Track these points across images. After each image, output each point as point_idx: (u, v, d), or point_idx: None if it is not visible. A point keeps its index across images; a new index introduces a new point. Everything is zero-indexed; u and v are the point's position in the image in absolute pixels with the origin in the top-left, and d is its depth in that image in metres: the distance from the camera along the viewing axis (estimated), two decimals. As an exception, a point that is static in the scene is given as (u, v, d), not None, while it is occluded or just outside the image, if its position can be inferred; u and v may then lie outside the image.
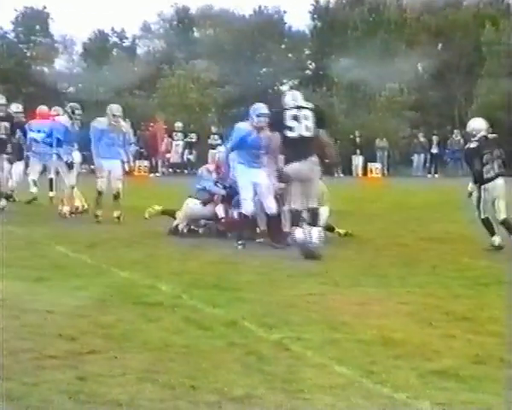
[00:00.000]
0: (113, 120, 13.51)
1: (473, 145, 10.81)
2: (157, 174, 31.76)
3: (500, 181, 10.76)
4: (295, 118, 9.96)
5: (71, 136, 13.94)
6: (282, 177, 10.15)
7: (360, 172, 34.18)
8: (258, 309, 6.63)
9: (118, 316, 6.28)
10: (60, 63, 52.85)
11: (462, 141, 33.32)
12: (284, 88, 54.48)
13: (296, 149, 9.86)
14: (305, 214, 10.02)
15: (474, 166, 10.72)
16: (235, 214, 11.60)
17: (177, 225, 11.80)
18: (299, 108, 10.05)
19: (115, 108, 13.72)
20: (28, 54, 50.61)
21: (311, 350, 5.37)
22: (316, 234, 9.75)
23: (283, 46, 54.05)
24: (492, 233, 10.60)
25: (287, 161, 10.01)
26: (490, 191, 10.66)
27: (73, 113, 13.95)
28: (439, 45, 43.17)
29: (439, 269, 8.90)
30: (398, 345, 5.52)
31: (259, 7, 53.60)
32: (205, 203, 11.76)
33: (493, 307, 6.79)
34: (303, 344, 5.52)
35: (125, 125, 14.23)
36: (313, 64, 53.30)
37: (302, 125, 9.94)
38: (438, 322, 6.25)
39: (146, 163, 32.16)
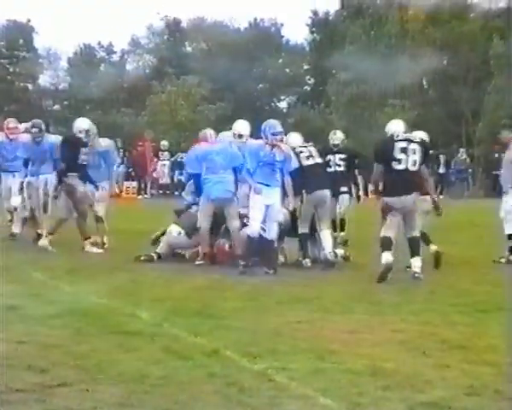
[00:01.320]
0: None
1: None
2: (146, 196, 31.78)
3: None
4: (404, 151, 10.16)
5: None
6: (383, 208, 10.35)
7: (361, 193, 34.23)
8: (242, 338, 6.63)
9: (93, 346, 6.27)
10: (44, 79, 53.02)
11: (468, 160, 33.50)
12: (281, 105, 54.82)
13: (401, 182, 10.12)
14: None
15: None
16: (226, 246, 11.65)
17: (155, 253, 11.75)
18: (408, 140, 10.27)
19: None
20: (11, 69, 50.71)
21: (296, 381, 5.37)
22: (417, 263, 10.13)
23: (280, 60, 54.35)
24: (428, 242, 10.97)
25: (389, 193, 10.23)
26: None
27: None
28: (445, 59, 43.34)
29: (437, 295, 8.92)
30: (388, 375, 5.52)
31: (255, 19, 53.98)
32: (190, 235, 11.76)
33: (491, 335, 6.81)
34: (288, 375, 5.52)
35: (104, 143, 13.87)
36: (312, 79, 53.53)
37: (410, 159, 10.17)
38: (432, 351, 6.25)
39: (134, 184, 32.18)
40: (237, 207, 11.53)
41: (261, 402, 4.92)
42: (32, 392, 5.03)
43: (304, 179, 11.42)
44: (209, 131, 12.39)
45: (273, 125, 11.16)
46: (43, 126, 13.89)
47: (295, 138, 12.45)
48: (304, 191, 11.49)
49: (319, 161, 11.88)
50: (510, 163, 11.96)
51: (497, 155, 33.42)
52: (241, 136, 11.92)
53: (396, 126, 10.79)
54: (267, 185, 10.90)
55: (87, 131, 13.14)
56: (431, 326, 7.20)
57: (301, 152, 11.70)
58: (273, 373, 5.54)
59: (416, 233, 10.28)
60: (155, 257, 11.64)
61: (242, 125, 12.23)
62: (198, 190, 11.75)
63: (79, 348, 6.18)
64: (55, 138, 14.04)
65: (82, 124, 13.33)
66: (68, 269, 10.59)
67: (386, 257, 10.02)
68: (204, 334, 6.70)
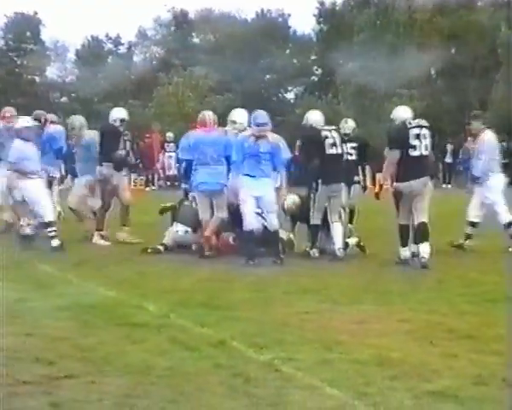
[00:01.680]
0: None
1: None
2: (153, 188, 31.75)
3: None
4: (418, 137, 10.43)
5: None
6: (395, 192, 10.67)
7: (369, 182, 34.13)
8: (249, 329, 6.63)
9: (100, 338, 6.28)
10: (52, 71, 53.08)
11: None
12: (289, 95, 54.75)
13: (415, 167, 10.40)
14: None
15: None
16: (230, 239, 11.63)
17: (161, 245, 11.74)
18: (420, 126, 10.52)
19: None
20: (19, 62, 50.74)
21: (303, 371, 5.36)
22: (426, 249, 10.26)
23: (288, 51, 54.30)
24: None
25: (403, 179, 10.46)
26: None
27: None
28: (453, 49, 43.21)
29: (445, 284, 8.90)
30: (395, 365, 5.50)
31: (262, 10, 53.93)
32: (195, 230, 11.74)
33: (499, 324, 6.76)
34: (294, 365, 5.51)
35: (87, 136, 13.55)
36: (319, 70, 53.45)
37: (423, 145, 10.46)
38: (439, 340, 6.23)
39: (142, 176, 32.16)
40: (226, 198, 11.45)
41: (267, 393, 4.91)
42: (39, 384, 5.04)
43: (322, 169, 11.23)
44: (208, 114, 11.87)
45: (257, 116, 11.01)
46: (44, 118, 13.86)
47: (316, 116, 11.97)
48: (320, 181, 11.29)
49: (340, 151, 11.56)
50: (481, 154, 11.98)
51: (504, 144, 33.58)
52: (234, 122, 11.86)
53: (405, 113, 10.90)
54: (252, 177, 10.81)
55: (122, 120, 13.05)
56: (439, 316, 7.18)
57: (327, 138, 11.36)
58: (279, 364, 5.53)
59: (425, 219, 10.38)
60: (162, 249, 11.63)
61: (237, 113, 12.13)
62: (189, 177, 11.74)
63: (86, 341, 6.19)
64: (53, 129, 13.97)
65: (118, 113, 13.21)
66: (75, 262, 10.61)
67: (405, 255, 10.49)
68: (210, 325, 6.70)
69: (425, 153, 10.49)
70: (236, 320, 6.96)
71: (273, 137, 11.04)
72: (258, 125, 10.87)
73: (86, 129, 13.67)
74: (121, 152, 12.97)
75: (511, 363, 5.52)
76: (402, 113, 10.95)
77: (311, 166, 11.36)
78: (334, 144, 11.39)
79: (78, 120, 13.80)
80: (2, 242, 12.20)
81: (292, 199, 11.82)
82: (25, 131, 12.05)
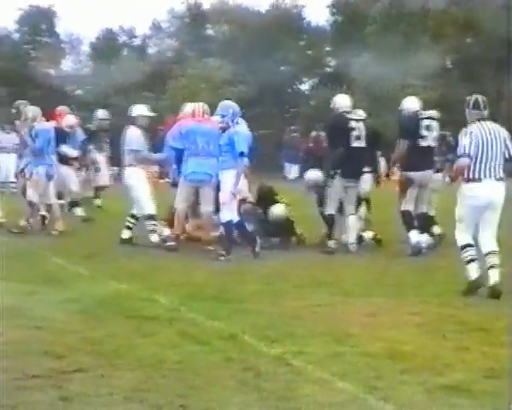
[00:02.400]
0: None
1: None
2: (167, 180, 31.68)
3: None
4: (428, 128, 10.71)
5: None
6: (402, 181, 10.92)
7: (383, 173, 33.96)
8: (260, 322, 6.60)
9: (110, 331, 6.26)
10: (66, 64, 53.09)
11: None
12: (303, 87, 54.54)
13: (424, 157, 10.69)
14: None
15: None
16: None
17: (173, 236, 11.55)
18: (431, 118, 10.81)
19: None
20: (34, 55, 50.80)
21: (313, 365, 5.33)
22: (424, 238, 10.78)
23: (302, 43, 53.95)
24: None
25: (413, 168, 10.67)
26: None
27: None
28: (468, 38, 42.94)
29: (457, 277, 8.79)
30: (406, 358, 5.46)
31: (276, 1, 53.64)
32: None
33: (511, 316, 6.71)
34: (305, 358, 5.48)
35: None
36: (333, 61, 53.22)
37: (431, 136, 10.75)
38: (451, 333, 6.19)
39: (156, 168, 32.08)
40: (213, 191, 11.21)
41: (278, 387, 4.88)
42: (49, 378, 5.02)
43: (343, 160, 11.02)
44: (198, 105, 11.56)
45: (219, 107, 10.96)
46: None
47: (342, 100, 11.70)
48: (339, 172, 11.12)
49: (364, 144, 11.23)
50: None
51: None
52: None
53: (413, 104, 11.13)
54: (220, 169, 10.77)
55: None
56: (451, 308, 7.14)
57: (353, 129, 11.16)
58: (290, 357, 5.51)
59: (426, 209, 10.96)
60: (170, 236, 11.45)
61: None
62: (179, 167, 11.51)
63: (96, 334, 6.17)
64: None
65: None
66: (86, 254, 10.57)
67: (415, 238, 10.58)
68: (221, 318, 6.67)
69: (433, 145, 10.77)
70: (247, 313, 6.93)
71: (233, 130, 10.67)
72: (221, 116, 10.84)
73: (39, 119, 13.39)
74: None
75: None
76: (410, 104, 11.16)
77: (333, 154, 11.26)
78: (359, 137, 11.20)
79: (31, 110, 13.51)
80: (15, 236, 12.24)
81: (315, 174, 11.64)
82: (141, 120, 11.97)
